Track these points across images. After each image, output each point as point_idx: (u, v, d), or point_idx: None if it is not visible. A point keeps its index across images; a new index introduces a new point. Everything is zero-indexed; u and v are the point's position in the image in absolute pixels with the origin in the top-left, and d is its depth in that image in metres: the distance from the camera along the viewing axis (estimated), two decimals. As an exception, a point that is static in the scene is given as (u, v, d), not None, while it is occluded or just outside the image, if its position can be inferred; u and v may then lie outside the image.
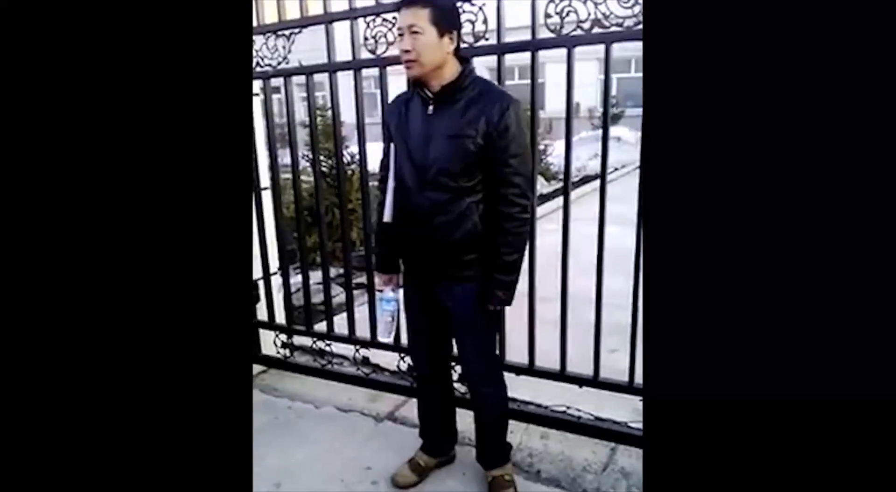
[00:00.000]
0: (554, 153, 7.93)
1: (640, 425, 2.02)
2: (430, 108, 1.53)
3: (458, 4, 1.77)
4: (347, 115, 2.30)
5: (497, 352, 1.78)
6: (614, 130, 11.56)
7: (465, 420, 1.90)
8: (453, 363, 1.94)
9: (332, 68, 2.23)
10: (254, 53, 2.37)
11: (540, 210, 5.38)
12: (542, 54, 1.89)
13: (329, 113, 2.65)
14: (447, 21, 1.47)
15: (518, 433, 2.10)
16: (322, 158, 4.00)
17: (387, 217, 1.67)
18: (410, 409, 2.02)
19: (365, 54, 2.13)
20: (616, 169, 8.38)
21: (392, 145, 1.63)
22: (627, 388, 2.01)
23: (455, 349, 1.81)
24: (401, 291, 1.81)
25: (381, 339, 1.87)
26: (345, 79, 2.23)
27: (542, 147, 7.85)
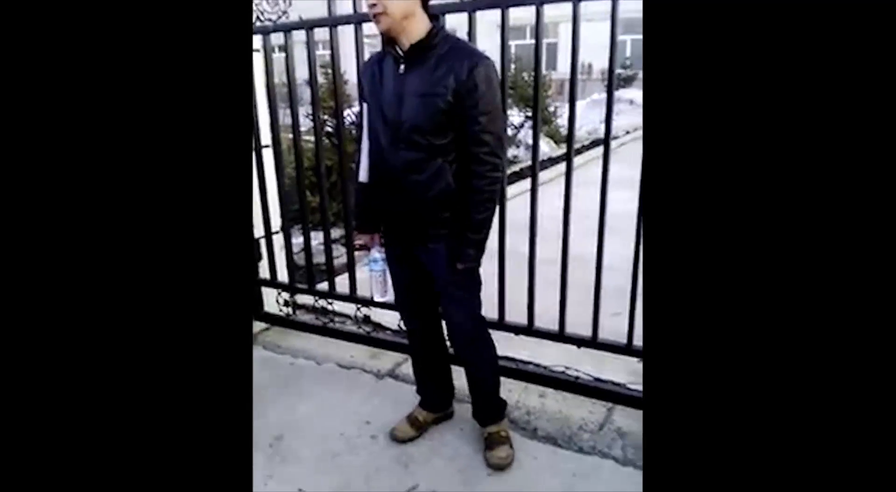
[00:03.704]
0: (565, 115, 7.80)
1: (639, 387, 2.04)
2: (402, 67, 1.53)
3: None
4: (353, 73, 2.25)
5: (482, 312, 1.78)
6: (627, 93, 11.34)
7: (462, 377, 1.93)
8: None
9: (332, 22, 2.18)
10: (253, 7, 2.32)
11: (549, 173, 5.36)
12: (556, 14, 1.83)
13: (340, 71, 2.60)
14: None
15: (516, 392, 2.13)
16: (326, 117, 3.96)
17: (362, 177, 1.69)
18: (411, 366, 2.05)
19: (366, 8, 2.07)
20: (628, 132, 8.25)
21: (365, 105, 1.64)
22: (626, 349, 2.02)
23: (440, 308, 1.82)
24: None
25: (377, 298, 1.89)
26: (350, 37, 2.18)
27: (552, 109, 7.73)
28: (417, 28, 1.49)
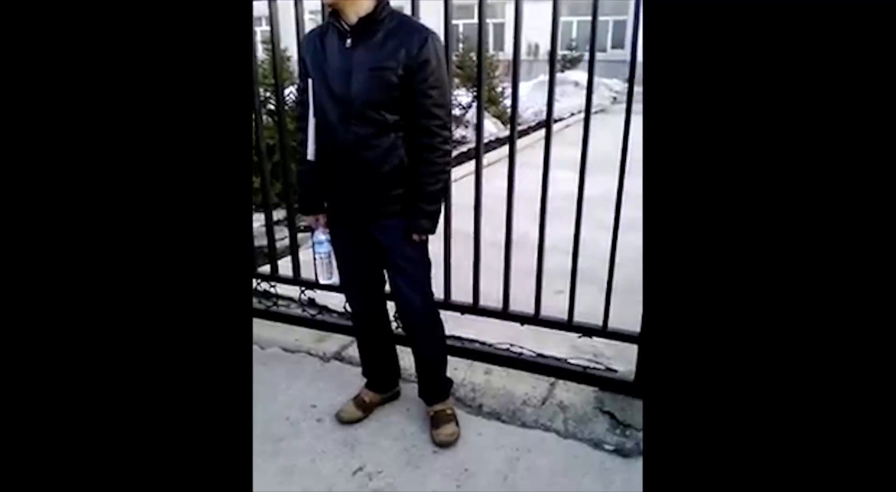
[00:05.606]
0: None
1: (579, 361, 2.11)
2: (348, 41, 1.50)
3: None
4: (294, 49, 2.18)
5: (431, 289, 1.79)
6: (573, 75, 11.47)
7: (408, 357, 1.94)
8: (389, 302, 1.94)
9: (270, -5, 2.10)
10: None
11: (496, 154, 5.40)
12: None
13: (281, 46, 2.52)
14: None
15: (462, 370, 2.16)
16: (268, 94, 3.84)
17: (310, 155, 1.65)
18: (357, 348, 2.04)
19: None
20: (572, 114, 8.38)
21: (310, 81, 1.60)
22: (567, 325, 2.09)
23: (389, 287, 1.81)
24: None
25: (322, 281, 1.86)
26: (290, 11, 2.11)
27: (499, 89, 7.75)
28: (365, 2, 1.47)
